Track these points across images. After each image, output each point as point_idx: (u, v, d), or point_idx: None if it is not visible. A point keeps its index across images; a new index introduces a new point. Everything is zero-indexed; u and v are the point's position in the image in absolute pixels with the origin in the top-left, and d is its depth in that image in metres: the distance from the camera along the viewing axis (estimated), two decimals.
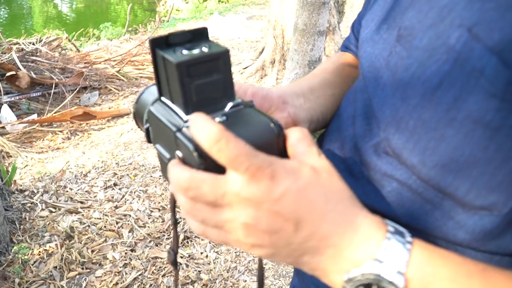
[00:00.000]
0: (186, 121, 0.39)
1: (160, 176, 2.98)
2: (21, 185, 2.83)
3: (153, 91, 0.47)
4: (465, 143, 0.38)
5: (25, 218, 2.48)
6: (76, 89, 4.26)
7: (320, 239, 0.36)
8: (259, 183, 0.34)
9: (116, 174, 3.01)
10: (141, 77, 4.90)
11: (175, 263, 0.48)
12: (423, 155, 0.41)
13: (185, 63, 0.38)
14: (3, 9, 14.39)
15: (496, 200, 0.39)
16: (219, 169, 0.36)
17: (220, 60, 0.39)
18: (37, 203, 2.62)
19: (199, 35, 0.42)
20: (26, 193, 2.74)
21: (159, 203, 2.69)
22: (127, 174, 3.00)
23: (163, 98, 0.43)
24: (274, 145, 0.39)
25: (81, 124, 3.78)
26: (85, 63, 4.70)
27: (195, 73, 0.39)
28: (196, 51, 0.40)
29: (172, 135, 0.39)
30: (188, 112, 0.39)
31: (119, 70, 4.80)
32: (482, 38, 0.37)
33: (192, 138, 0.36)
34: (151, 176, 2.98)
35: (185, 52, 0.40)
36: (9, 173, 2.68)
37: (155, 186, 2.85)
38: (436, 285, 0.35)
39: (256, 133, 0.38)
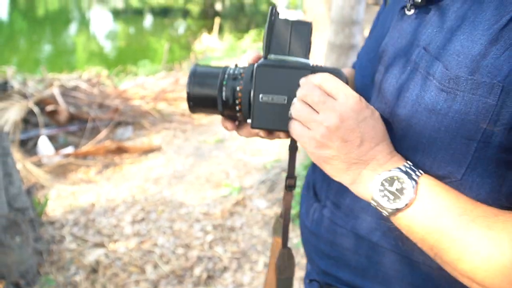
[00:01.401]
0: (311, 64, 0.60)
1: (186, 212, 3.00)
2: (52, 217, 2.90)
3: (204, 75, 0.63)
4: (425, 128, 0.53)
5: (53, 250, 2.53)
6: (111, 124, 4.41)
7: (371, 156, 0.54)
8: (350, 106, 0.54)
9: (144, 209, 3.05)
10: (174, 113, 5.03)
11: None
12: (399, 142, 0.56)
13: (312, 26, 0.61)
14: (48, 45, 15.28)
15: (452, 170, 0.53)
16: None
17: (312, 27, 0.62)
18: (65, 236, 2.68)
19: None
20: (56, 225, 2.81)
21: (184, 240, 2.69)
22: (155, 210, 3.03)
23: (271, 56, 0.60)
24: None
25: (114, 158, 3.89)
26: (121, 99, 4.88)
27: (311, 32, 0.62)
28: (301, 19, 0.60)
29: (307, 72, 0.58)
30: (307, 58, 0.60)
31: (153, 106, 4.94)
32: (432, 52, 0.53)
33: (329, 69, 0.60)
34: (178, 212, 3.00)
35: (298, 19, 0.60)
36: (42, 205, 2.76)
37: (181, 223, 2.87)
38: (443, 206, 0.50)
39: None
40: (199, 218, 2.93)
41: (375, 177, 0.54)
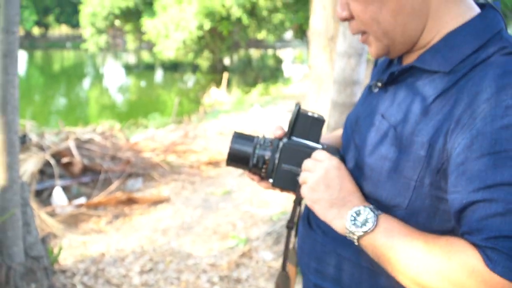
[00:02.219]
0: (320, 146, 0.83)
1: (193, 263, 3.06)
2: (63, 266, 2.98)
3: (242, 139, 0.86)
4: (381, 170, 0.74)
5: None
6: (122, 176, 4.57)
7: (348, 199, 0.75)
8: (332, 164, 0.78)
9: (152, 259, 3.12)
10: (183, 165, 5.19)
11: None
12: (366, 179, 0.77)
13: (324, 120, 0.85)
14: (62, 99, 15.83)
15: (399, 201, 0.73)
16: None
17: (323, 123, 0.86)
18: (76, 285, 2.75)
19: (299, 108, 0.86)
20: (68, 273, 2.88)
21: None
22: (163, 260, 3.11)
23: (294, 138, 0.83)
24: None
25: (124, 208, 4.01)
26: (133, 151, 5.07)
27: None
28: (316, 115, 0.84)
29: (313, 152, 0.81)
30: (319, 143, 0.84)
31: (163, 159, 5.12)
32: (386, 118, 0.76)
33: (332, 151, 0.83)
34: (185, 263, 3.07)
35: (316, 115, 0.84)
36: (55, 254, 2.85)
37: (188, 274, 2.93)
38: (395, 231, 0.69)
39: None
40: (206, 269, 2.99)
41: (348, 212, 0.73)
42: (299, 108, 0.83)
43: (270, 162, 0.84)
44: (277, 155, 0.83)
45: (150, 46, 20.10)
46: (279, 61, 26.27)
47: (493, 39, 0.70)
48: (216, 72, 18.68)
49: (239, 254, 3.16)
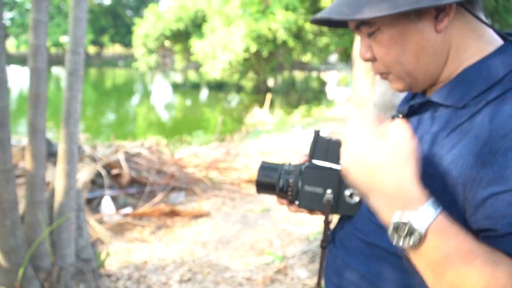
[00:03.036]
0: (339, 167, 0.85)
1: (230, 276, 3.16)
2: (108, 270, 3.17)
3: (268, 168, 0.94)
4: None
5: None
6: (166, 189, 4.78)
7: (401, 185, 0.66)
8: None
9: (191, 269, 3.25)
10: (224, 182, 5.34)
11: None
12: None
13: (341, 143, 0.83)
14: (112, 114, 16.60)
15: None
16: None
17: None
18: None
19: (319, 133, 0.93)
20: (112, 278, 3.06)
21: None
22: (201, 271, 3.23)
23: (314, 161, 0.89)
24: None
25: (166, 220, 4.19)
26: (177, 166, 5.29)
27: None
28: (336, 139, 0.89)
29: (338, 173, 0.86)
30: (339, 164, 0.86)
31: (206, 174, 5.30)
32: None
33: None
34: (222, 276, 3.17)
35: (333, 138, 0.89)
36: (102, 259, 3.05)
37: (225, 286, 3.03)
38: (447, 247, 0.61)
39: None
40: (242, 283, 3.08)
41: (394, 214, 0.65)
42: (318, 133, 0.90)
43: (294, 185, 0.89)
44: (299, 178, 0.89)
45: (197, 65, 20.79)
46: (323, 83, 26.35)
47: (510, 74, 0.71)
48: (259, 92, 19.00)
49: (274, 270, 3.23)
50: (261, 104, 14.05)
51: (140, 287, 2.97)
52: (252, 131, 10.14)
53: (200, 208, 4.59)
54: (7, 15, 32.57)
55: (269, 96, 13.37)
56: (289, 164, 0.94)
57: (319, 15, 0.77)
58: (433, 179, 0.69)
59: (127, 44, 37.42)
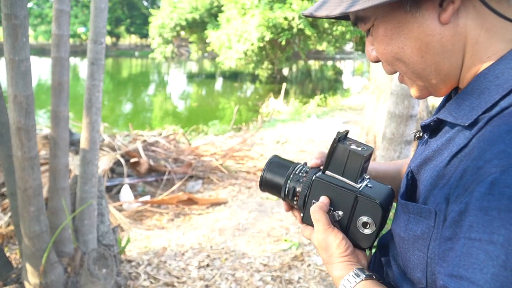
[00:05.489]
0: (359, 188, 0.72)
1: (247, 262, 3.21)
2: (129, 256, 3.24)
3: (276, 167, 0.82)
4: (402, 238, 0.66)
5: (129, 285, 2.84)
6: (184, 178, 4.84)
7: (330, 263, 0.73)
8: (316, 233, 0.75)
9: (209, 256, 3.31)
10: (240, 170, 5.38)
11: None
12: (397, 247, 0.70)
13: (366, 157, 0.73)
14: (129, 104, 16.77)
15: (419, 276, 0.63)
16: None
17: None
18: (140, 274, 2.99)
19: (347, 134, 0.77)
20: (133, 263, 3.14)
21: (244, 287, 2.89)
22: (219, 258, 3.28)
23: (328, 172, 0.74)
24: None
25: (184, 208, 4.25)
26: (194, 155, 5.34)
27: (366, 161, 0.74)
28: (362, 148, 0.73)
29: (352, 195, 0.72)
30: (357, 182, 0.72)
31: (222, 163, 5.35)
32: (414, 171, 0.70)
33: (372, 196, 0.72)
34: (240, 262, 3.22)
35: (357, 148, 0.73)
36: (123, 245, 3.12)
37: (243, 272, 3.08)
38: None
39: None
40: (260, 269, 3.13)
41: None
42: (338, 139, 0.73)
43: (301, 196, 0.78)
44: (307, 190, 0.76)
45: (212, 55, 20.79)
46: (338, 72, 26.13)
47: None
48: (275, 82, 18.95)
49: (291, 257, 3.27)
50: (277, 93, 14.03)
51: (160, 272, 3.04)
52: (267, 121, 10.15)
53: (217, 196, 4.64)
54: None
55: (284, 86, 13.33)
56: (303, 165, 0.81)
57: (307, 11, 0.68)
58: (429, 214, 0.60)
59: (143, 34, 37.61)
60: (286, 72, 22.35)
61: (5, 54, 1.95)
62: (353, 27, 0.70)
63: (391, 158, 3.15)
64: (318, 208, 0.73)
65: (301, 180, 0.78)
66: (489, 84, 0.60)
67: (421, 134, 0.73)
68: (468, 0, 0.60)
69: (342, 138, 0.73)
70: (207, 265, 3.17)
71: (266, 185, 0.83)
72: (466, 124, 0.59)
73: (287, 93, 14.02)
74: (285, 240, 3.56)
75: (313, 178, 0.75)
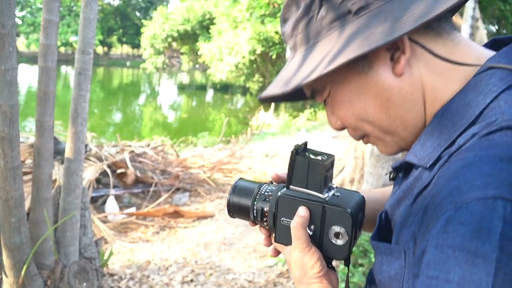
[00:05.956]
0: (325, 198, 0.70)
1: (232, 278, 3.17)
2: (111, 269, 3.18)
3: (242, 190, 0.79)
4: (380, 282, 0.65)
5: None
6: (171, 190, 4.79)
7: (301, 283, 0.70)
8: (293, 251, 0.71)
9: (193, 271, 3.26)
10: (228, 183, 5.35)
11: None
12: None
13: (328, 165, 0.70)
14: (119, 113, 16.69)
15: None
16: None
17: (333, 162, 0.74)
18: None
19: (306, 146, 0.75)
20: (115, 277, 3.08)
21: None
22: (203, 273, 3.24)
23: (292, 187, 0.72)
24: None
25: (170, 221, 4.20)
26: (182, 167, 5.30)
27: (328, 170, 0.72)
28: (322, 157, 0.70)
29: (319, 206, 0.70)
30: (322, 193, 0.70)
31: (210, 176, 5.31)
32: (389, 213, 0.68)
33: (340, 204, 0.69)
34: (225, 278, 3.18)
35: (318, 157, 0.70)
36: (106, 257, 3.06)
37: None
38: None
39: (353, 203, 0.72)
40: (244, 285, 3.09)
41: None
42: (296, 152, 0.71)
43: (269, 215, 0.75)
44: (274, 208, 0.74)
45: (203, 67, 20.83)
46: None
47: (483, 113, 0.56)
48: None
49: (277, 274, 3.24)
50: (267, 106, 14.07)
51: (143, 287, 2.98)
52: (257, 134, 10.15)
53: (204, 209, 4.60)
54: (18, 14, 32.91)
55: None
56: (269, 184, 0.80)
57: (263, 94, 0.66)
58: (399, 255, 0.59)
59: (136, 45, 37.64)
60: None
61: None
62: (310, 100, 0.68)
63: (379, 175, 3.16)
64: (299, 226, 0.70)
65: (267, 200, 0.76)
66: (447, 123, 0.60)
67: (394, 175, 0.72)
68: (416, 48, 0.60)
69: (300, 150, 0.72)
70: (191, 281, 3.12)
71: (234, 210, 0.79)
72: (428, 166, 0.59)
73: (277, 106, 14.07)
74: (271, 256, 3.52)
75: (279, 195, 0.73)
